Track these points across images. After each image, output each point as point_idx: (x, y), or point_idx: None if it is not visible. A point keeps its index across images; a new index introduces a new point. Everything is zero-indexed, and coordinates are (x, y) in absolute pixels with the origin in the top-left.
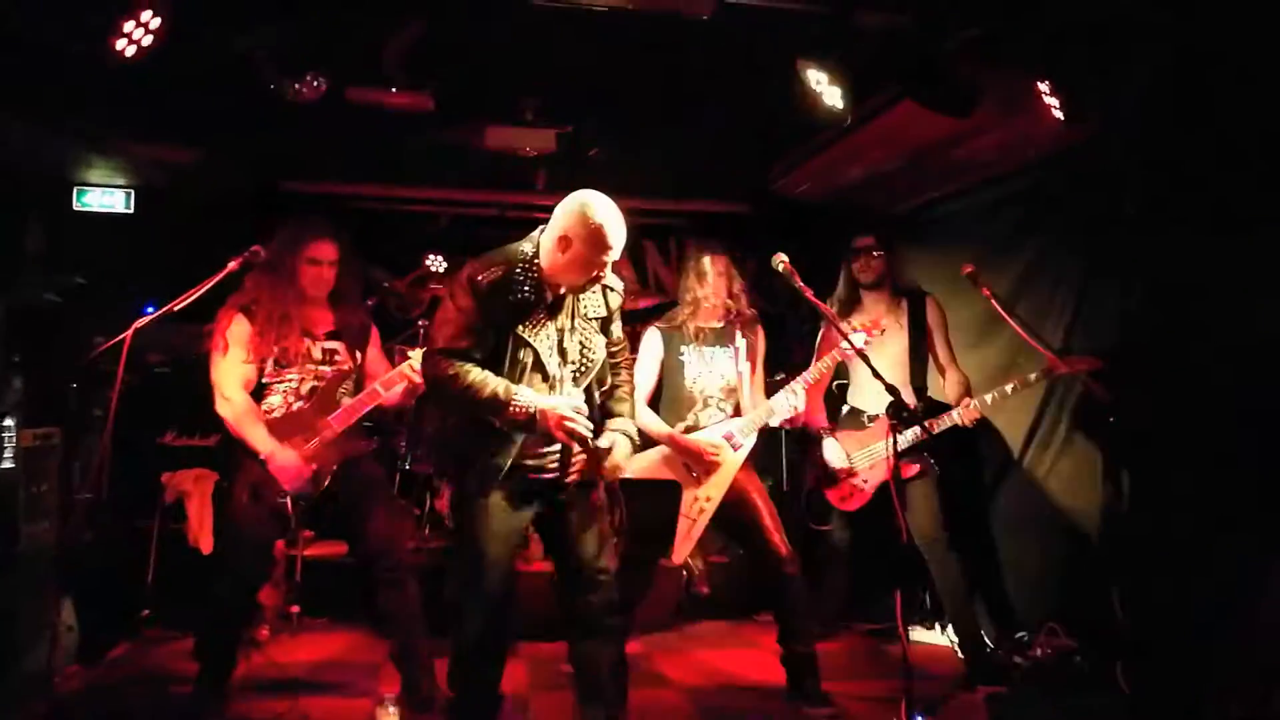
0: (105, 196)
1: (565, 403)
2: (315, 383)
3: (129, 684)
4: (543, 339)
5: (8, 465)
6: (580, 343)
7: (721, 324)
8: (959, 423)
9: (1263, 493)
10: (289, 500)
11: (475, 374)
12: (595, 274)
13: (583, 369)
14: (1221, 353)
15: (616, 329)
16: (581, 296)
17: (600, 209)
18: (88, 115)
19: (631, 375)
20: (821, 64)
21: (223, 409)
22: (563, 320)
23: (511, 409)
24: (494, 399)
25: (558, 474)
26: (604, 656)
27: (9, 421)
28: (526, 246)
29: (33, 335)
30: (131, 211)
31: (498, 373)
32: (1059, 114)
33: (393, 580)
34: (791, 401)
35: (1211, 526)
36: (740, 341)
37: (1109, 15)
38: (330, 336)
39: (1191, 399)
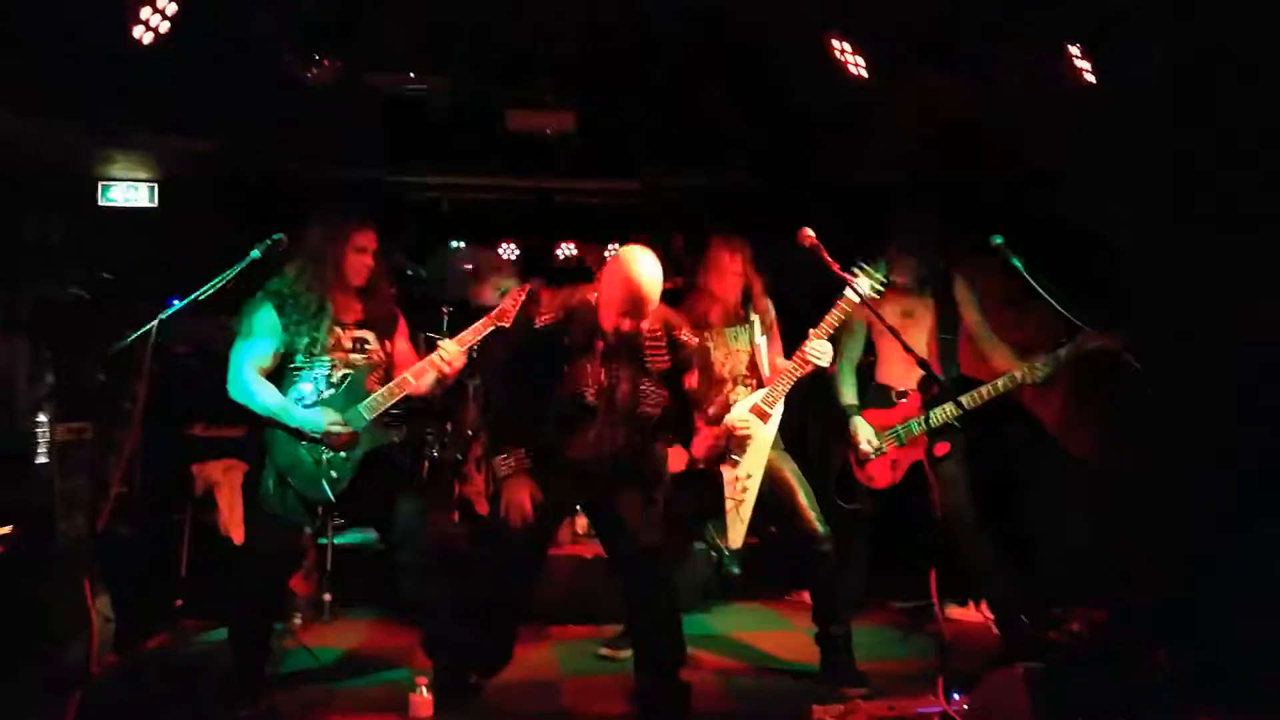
0: (129, 191)
1: (525, 495)
2: (346, 370)
3: (165, 674)
4: (588, 381)
5: (42, 460)
6: (637, 392)
7: (733, 306)
8: (1000, 392)
9: (1264, 490)
10: (312, 489)
11: (507, 410)
12: (628, 321)
13: (634, 418)
14: (1225, 350)
15: (690, 380)
16: (646, 350)
17: (629, 259)
18: (108, 110)
19: (688, 426)
20: (845, 33)
21: (234, 392)
22: (618, 368)
23: (499, 461)
24: (499, 438)
25: (599, 470)
26: (659, 629)
27: (42, 417)
28: (594, 294)
29: (62, 331)
30: (155, 205)
31: (538, 401)
32: (1090, 77)
33: (418, 567)
34: (818, 348)
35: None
36: (754, 316)
37: (1112, 13)
38: (360, 326)
39: (1195, 395)
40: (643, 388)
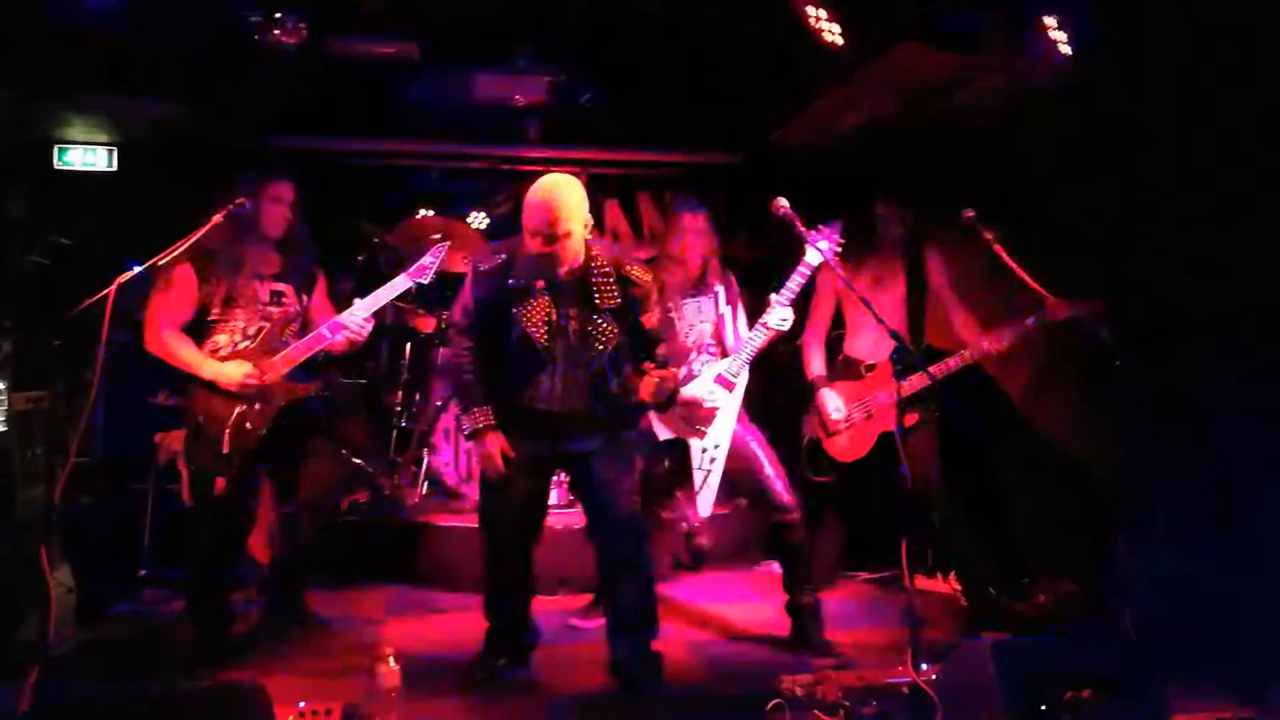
0: (87, 154)
1: (495, 449)
2: (262, 323)
3: (127, 644)
4: (537, 323)
5: (0, 429)
6: (588, 331)
7: (695, 275)
8: (968, 362)
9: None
10: (229, 440)
11: (467, 367)
12: (546, 247)
13: (588, 357)
14: (1220, 330)
15: (649, 318)
16: (594, 286)
17: (541, 181)
18: (66, 70)
19: (665, 361)
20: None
21: (152, 346)
22: (568, 307)
23: (470, 415)
24: (466, 396)
25: (570, 416)
26: (633, 594)
27: (0, 385)
28: None
29: (19, 298)
30: (114, 169)
31: (496, 349)
32: (1066, 49)
33: (299, 526)
34: (779, 315)
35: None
36: (718, 286)
37: None
38: (278, 279)
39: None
40: (593, 326)
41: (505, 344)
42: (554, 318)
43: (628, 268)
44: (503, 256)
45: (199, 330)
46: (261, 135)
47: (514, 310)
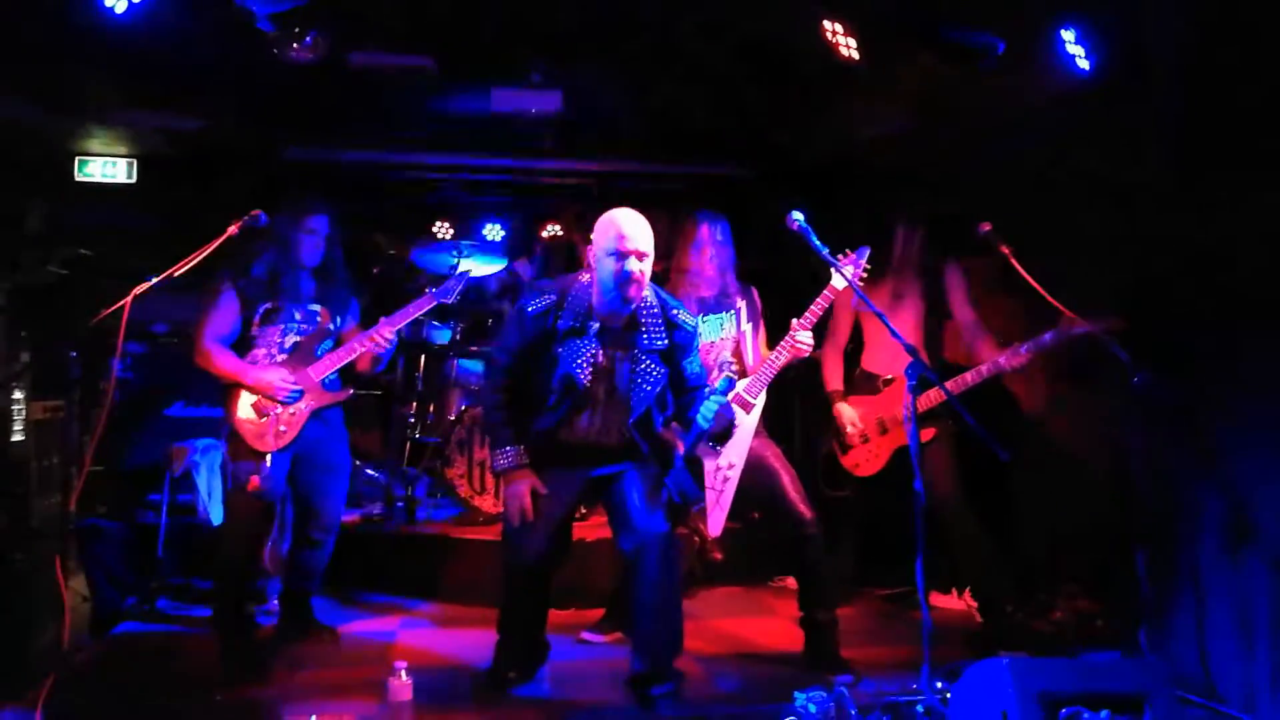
0: (107, 167)
1: (525, 490)
2: (297, 338)
3: (141, 654)
4: (581, 364)
5: (18, 438)
6: (634, 372)
7: (716, 290)
8: (985, 377)
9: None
10: (260, 440)
11: (501, 404)
12: (623, 276)
13: (634, 398)
14: (1249, 323)
15: (692, 363)
16: (643, 328)
17: (615, 212)
18: (87, 84)
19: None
20: (837, 13)
21: (200, 360)
22: (615, 348)
23: (501, 452)
24: (493, 431)
25: (606, 449)
26: (660, 613)
27: (18, 395)
28: (586, 275)
29: (38, 309)
30: (134, 181)
31: (535, 387)
32: (1084, 64)
33: (319, 543)
34: (799, 338)
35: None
36: (740, 303)
37: None
38: (312, 301)
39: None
40: (640, 368)
41: (546, 382)
42: (600, 359)
43: (674, 311)
44: (552, 297)
45: (238, 345)
46: (279, 148)
47: (559, 350)
